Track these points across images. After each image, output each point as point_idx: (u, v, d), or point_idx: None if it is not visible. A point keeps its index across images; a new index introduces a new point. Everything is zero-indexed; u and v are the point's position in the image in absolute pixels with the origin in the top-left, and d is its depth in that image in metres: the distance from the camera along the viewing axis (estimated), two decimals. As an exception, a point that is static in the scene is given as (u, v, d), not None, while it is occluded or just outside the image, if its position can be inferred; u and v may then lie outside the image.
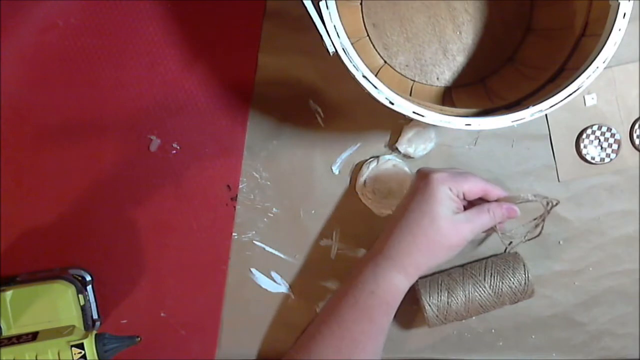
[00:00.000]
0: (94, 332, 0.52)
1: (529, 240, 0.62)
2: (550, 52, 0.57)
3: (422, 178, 0.55)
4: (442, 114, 0.50)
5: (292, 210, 0.65)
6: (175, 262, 0.65)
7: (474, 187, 0.55)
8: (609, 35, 0.49)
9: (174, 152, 0.64)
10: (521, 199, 0.56)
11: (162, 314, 0.65)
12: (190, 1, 0.63)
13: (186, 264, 0.65)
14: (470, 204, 0.57)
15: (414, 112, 0.49)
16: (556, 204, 0.57)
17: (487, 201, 0.57)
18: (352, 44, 0.48)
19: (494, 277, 0.60)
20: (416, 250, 0.54)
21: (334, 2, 0.47)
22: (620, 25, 0.48)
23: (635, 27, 0.62)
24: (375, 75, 0.49)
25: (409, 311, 0.64)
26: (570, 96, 0.49)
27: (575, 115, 0.63)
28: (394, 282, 0.55)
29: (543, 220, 0.60)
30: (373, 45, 0.63)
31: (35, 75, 0.63)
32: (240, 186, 0.65)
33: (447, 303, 0.59)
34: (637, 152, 0.64)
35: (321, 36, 0.48)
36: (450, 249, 0.54)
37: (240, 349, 0.66)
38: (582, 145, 0.63)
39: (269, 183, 0.65)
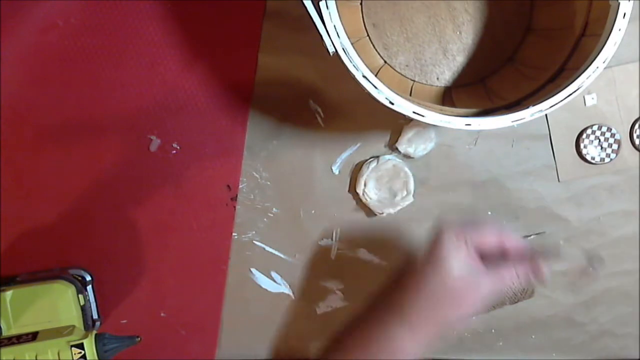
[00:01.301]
0: (94, 332, 0.52)
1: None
2: (550, 52, 0.57)
3: (434, 240, 0.50)
4: (442, 114, 0.49)
5: (292, 210, 0.65)
6: (175, 262, 0.65)
7: (489, 239, 0.50)
8: (609, 35, 0.49)
9: (174, 152, 0.64)
10: (547, 252, 0.48)
11: (162, 314, 0.65)
12: (190, 1, 0.63)
13: (186, 264, 0.65)
14: (488, 256, 0.51)
15: (414, 112, 0.49)
16: (601, 265, 0.52)
17: (506, 254, 0.50)
18: (352, 44, 0.48)
19: (494, 277, 0.59)
20: (432, 320, 0.48)
21: (334, 2, 0.47)
22: (620, 25, 0.48)
23: (635, 27, 0.62)
24: (375, 75, 0.49)
25: (409, 311, 0.64)
26: (570, 96, 0.49)
27: (575, 115, 0.63)
28: (410, 352, 0.49)
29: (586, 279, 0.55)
30: (373, 45, 0.63)
31: (35, 75, 0.63)
32: (240, 186, 0.65)
33: (447, 303, 0.59)
34: (637, 152, 0.64)
35: (321, 36, 0.48)
36: (471, 311, 0.48)
37: (240, 349, 0.66)
38: (582, 145, 0.63)
39: (269, 183, 0.65)
